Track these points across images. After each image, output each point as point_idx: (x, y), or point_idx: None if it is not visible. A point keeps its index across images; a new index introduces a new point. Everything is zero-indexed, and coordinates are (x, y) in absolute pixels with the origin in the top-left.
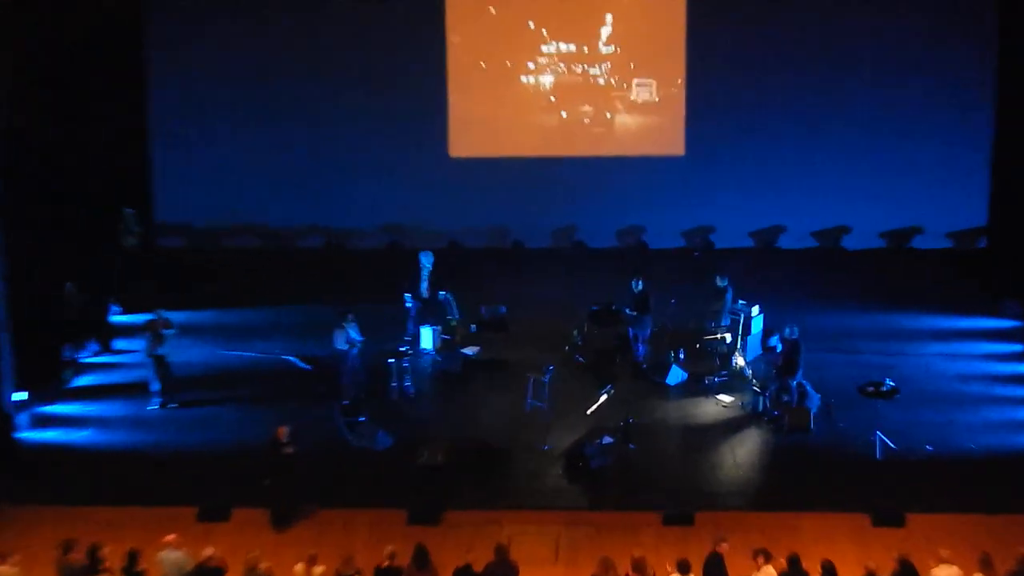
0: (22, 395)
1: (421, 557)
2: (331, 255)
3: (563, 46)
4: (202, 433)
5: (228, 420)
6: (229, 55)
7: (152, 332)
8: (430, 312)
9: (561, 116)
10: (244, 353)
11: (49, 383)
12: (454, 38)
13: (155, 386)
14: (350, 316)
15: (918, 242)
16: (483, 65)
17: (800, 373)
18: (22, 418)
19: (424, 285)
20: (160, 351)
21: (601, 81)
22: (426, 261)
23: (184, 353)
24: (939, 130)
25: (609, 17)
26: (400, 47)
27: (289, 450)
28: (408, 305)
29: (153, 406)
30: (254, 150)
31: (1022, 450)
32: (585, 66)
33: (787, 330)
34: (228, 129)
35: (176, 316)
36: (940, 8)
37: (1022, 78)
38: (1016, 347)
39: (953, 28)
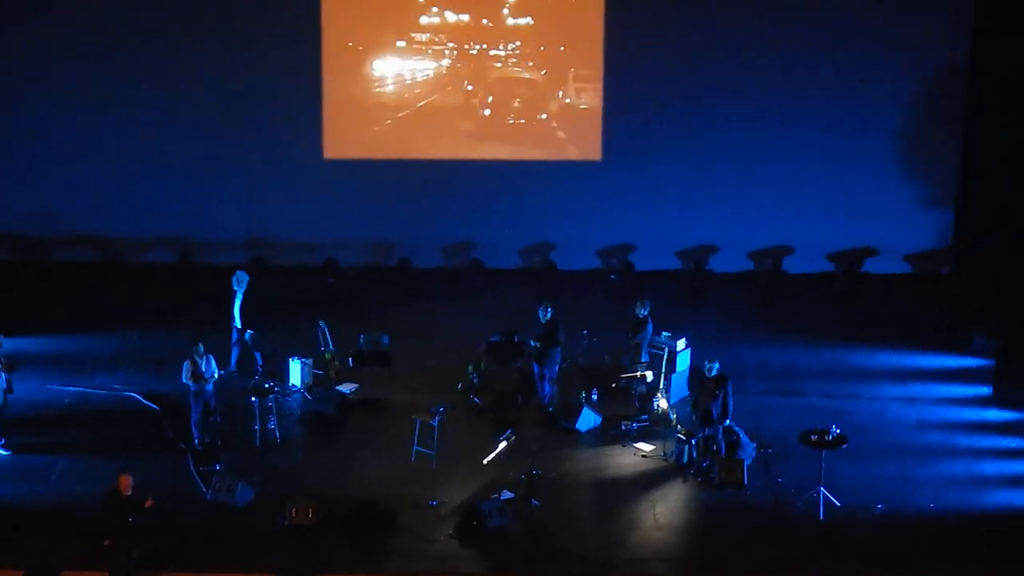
0: None
1: None
2: (183, 272)
3: (451, 16)
4: (28, 484)
5: (59, 468)
6: (61, 29)
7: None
8: (242, 348)
9: (456, 110)
10: (78, 389)
11: None
12: (330, 15)
13: None
14: (201, 346)
15: (871, 265)
16: (362, 49)
17: (727, 418)
18: None
19: (236, 312)
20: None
21: (507, 70)
22: (238, 284)
23: None
24: (897, 135)
25: None
26: (266, 25)
27: (132, 504)
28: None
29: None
30: (91, 147)
31: (988, 510)
32: (483, 46)
33: (706, 365)
34: (59, 121)
35: None
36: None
37: (994, 79)
38: (983, 390)
39: (914, 23)
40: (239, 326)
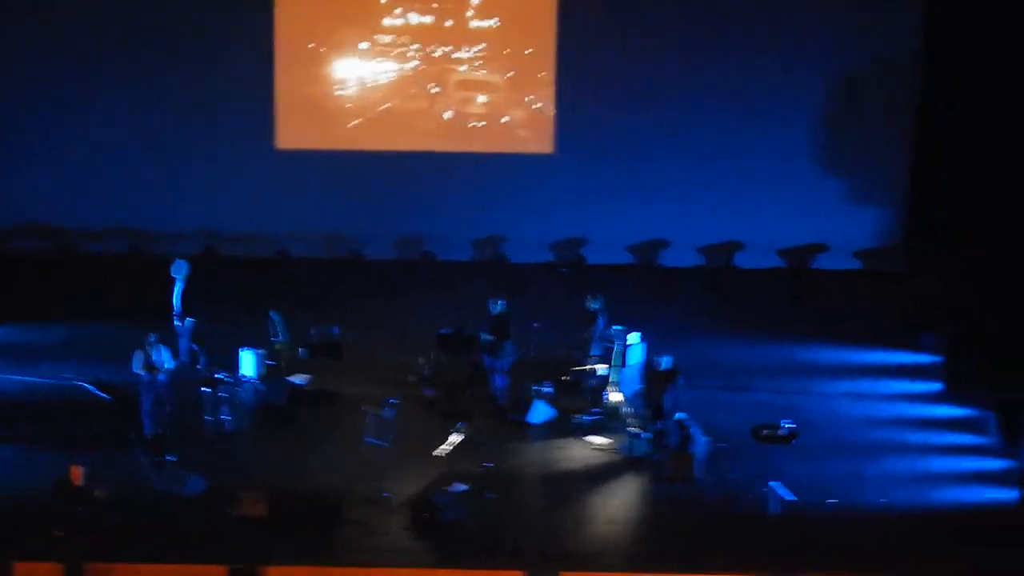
0: None
1: None
2: (134, 262)
3: (413, 17)
4: None
5: (7, 459)
6: (13, 18)
7: None
8: (189, 339)
9: (408, 102)
10: (27, 378)
11: None
12: (283, 9)
13: None
14: (153, 336)
15: (822, 261)
16: (314, 39)
17: (678, 412)
18: None
19: (176, 303)
20: None
21: (453, 60)
22: (177, 273)
23: None
24: (847, 130)
25: None
26: (216, 13)
27: (84, 494)
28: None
29: None
30: (40, 136)
31: (936, 507)
32: (436, 46)
33: (657, 359)
34: (8, 110)
35: None
36: None
37: (948, 73)
38: (934, 386)
39: (871, 25)
40: (179, 314)
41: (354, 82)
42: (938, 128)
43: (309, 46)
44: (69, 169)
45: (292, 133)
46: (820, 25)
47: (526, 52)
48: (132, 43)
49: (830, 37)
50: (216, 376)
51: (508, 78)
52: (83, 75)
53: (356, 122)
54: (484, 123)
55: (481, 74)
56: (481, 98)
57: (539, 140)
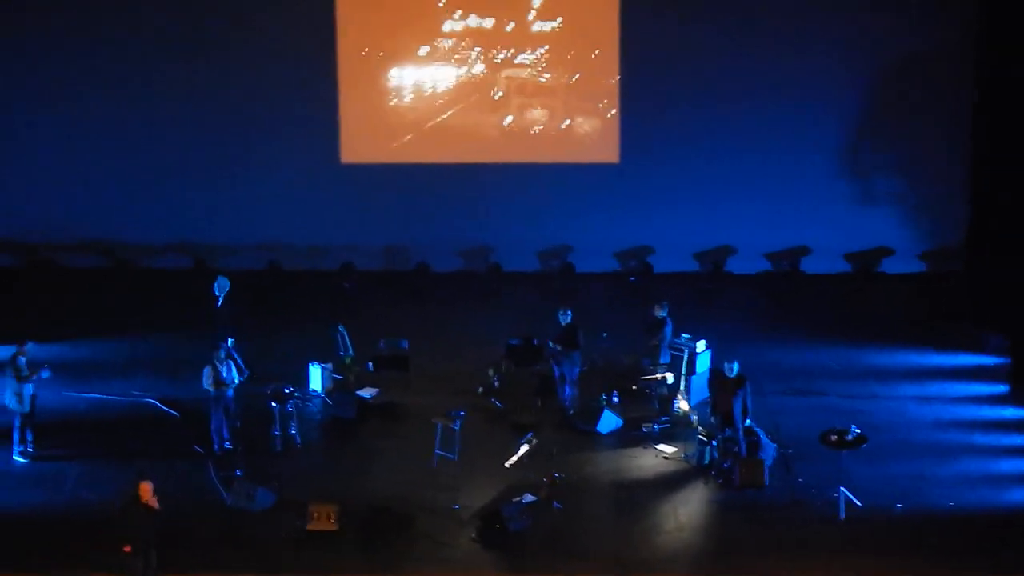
0: None
1: None
2: (198, 277)
3: (474, 22)
4: (46, 491)
5: (77, 475)
6: (70, 28)
7: (26, 369)
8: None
9: (474, 116)
10: (94, 395)
11: None
12: (346, 21)
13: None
14: (222, 351)
15: (888, 265)
16: (380, 55)
17: (747, 418)
18: None
19: (220, 319)
20: (30, 391)
21: (521, 72)
22: (218, 289)
23: None
24: (907, 133)
25: None
26: (282, 30)
27: (154, 511)
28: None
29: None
30: (100, 149)
31: (1005, 508)
32: (505, 52)
33: (726, 366)
34: (67, 122)
35: (7, 351)
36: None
37: (1005, 81)
38: (1000, 388)
39: (927, 21)
40: (222, 329)
41: (418, 94)
42: (998, 127)
43: (374, 56)
44: (133, 184)
45: (357, 147)
46: (878, 28)
47: (590, 56)
48: (196, 59)
49: (888, 39)
50: (284, 390)
51: (571, 84)
52: (147, 91)
53: (416, 134)
54: (551, 134)
55: (543, 79)
56: (544, 106)
57: (605, 149)
